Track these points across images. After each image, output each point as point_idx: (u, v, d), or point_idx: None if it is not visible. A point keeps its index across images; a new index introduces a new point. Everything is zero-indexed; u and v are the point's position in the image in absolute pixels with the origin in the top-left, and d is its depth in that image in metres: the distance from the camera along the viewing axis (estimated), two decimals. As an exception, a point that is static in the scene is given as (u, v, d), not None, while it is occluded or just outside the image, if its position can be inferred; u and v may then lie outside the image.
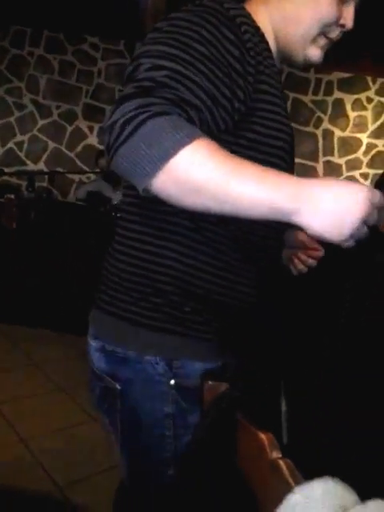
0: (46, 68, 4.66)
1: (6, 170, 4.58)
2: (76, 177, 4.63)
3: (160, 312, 0.74)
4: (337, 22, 0.78)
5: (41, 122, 4.73)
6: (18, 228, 3.39)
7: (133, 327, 0.75)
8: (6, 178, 4.39)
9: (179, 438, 0.77)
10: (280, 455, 0.56)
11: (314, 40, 0.78)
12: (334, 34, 0.80)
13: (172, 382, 0.75)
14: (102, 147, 4.52)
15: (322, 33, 0.78)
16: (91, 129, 4.74)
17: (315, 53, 0.80)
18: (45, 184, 4.65)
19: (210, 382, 0.72)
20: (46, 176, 4.65)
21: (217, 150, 0.57)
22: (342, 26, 0.79)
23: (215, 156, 0.56)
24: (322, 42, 0.80)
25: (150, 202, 0.72)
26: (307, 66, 0.82)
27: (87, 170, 4.50)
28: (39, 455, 1.85)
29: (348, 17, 0.78)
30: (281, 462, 0.56)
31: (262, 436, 0.58)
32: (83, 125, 4.74)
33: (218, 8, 0.67)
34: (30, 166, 4.77)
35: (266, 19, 0.77)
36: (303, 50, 0.78)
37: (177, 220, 0.73)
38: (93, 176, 4.31)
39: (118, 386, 0.77)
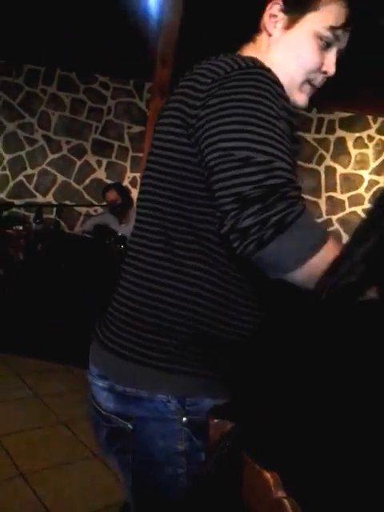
0: (58, 105, 4.84)
1: (16, 202, 4.69)
2: (83, 210, 4.72)
3: (171, 353, 0.74)
4: (319, 69, 0.82)
5: (51, 157, 4.88)
6: (25, 259, 3.44)
7: (143, 368, 0.75)
8: (14, 209, 4.48)
9: (192, 476, 0.76)
10: (285, 495, 0.58)
11: (299, 87, 0.83)
12: (318, 80, 0.84)
13: (184, 419, 0.75)
14: (109, 181, 4.64)
15: (307, 80, 0.83)
16: (100, 163, 4.88)
17: (301, 98, 0.84)
18: (53, 216, 4.74)
19: (215, 420, 0.73)
20: (54, 208, 4.74)
21: (334, 245, 0.66)
22: (325, 72, 0.83)
23: (332, 253, 0.62)
24: (307, 88, 0.84)
25: (176, 246, 0.74)
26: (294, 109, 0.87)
27: (95, 203, 4.60)
28: (38, 490, 1.82)
29: (330, 63, 0.82)
30: (285, 502, 0.57)
31: (267, 475, 0.59)
32: (92, 159, 4.87)
33: (264, 73, 0.71)
34: (39, 199, 4.89)
35: None
36: (290, 95, 0.80)
37: (204, 267, 0.74)
38: (100, 209, 4.39)
39: (130, 426, 0.76)
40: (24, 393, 2.63)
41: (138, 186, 3.74)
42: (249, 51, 0.85)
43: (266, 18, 0.83)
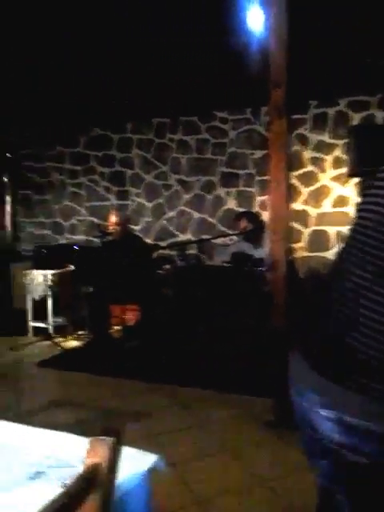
0: (185, 149, 5.23)
1: (161, 244, 5.15)
2: (219, 240, 4.93)
3: None
4: None
5: (185, 197, 5.26)
6: (175, 295, 3.73)
7: (381, 403, 0.74)
8: (161, 251, 4.92)
9: None
10: None
11: None
12: None
13: None
14: (240, 209, 4.79)
15: None
16: (229, 194, 5.07)
17: None
18: (194, 251, 5.06)
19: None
20: (195, 244, 5.05)
21: None
22: None
23: None
24: None
25: None
26: None
27: (229, 232, 4.76)
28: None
29: None
30: None
31: None
32: (221, 192, 5.10)
33: None
34: (180, 237, 5.27)
35: None
36: None
37: None
38: (235, 238, 4.53)
39: (365, 460, 0.75)
40: (190, 421, 2.79)
41: (268, 209, 3.77)
42: None
43: None
